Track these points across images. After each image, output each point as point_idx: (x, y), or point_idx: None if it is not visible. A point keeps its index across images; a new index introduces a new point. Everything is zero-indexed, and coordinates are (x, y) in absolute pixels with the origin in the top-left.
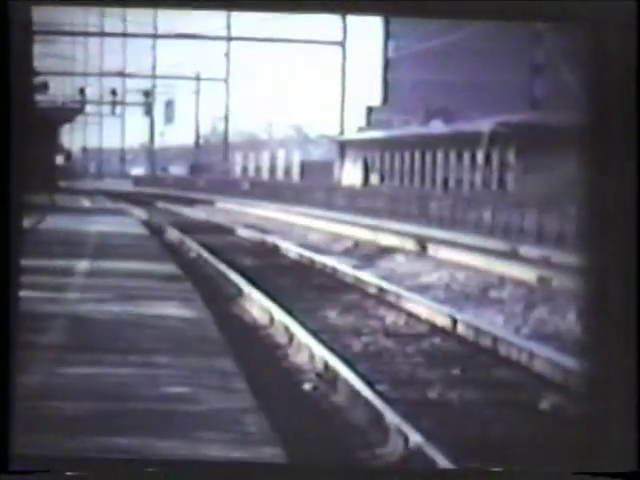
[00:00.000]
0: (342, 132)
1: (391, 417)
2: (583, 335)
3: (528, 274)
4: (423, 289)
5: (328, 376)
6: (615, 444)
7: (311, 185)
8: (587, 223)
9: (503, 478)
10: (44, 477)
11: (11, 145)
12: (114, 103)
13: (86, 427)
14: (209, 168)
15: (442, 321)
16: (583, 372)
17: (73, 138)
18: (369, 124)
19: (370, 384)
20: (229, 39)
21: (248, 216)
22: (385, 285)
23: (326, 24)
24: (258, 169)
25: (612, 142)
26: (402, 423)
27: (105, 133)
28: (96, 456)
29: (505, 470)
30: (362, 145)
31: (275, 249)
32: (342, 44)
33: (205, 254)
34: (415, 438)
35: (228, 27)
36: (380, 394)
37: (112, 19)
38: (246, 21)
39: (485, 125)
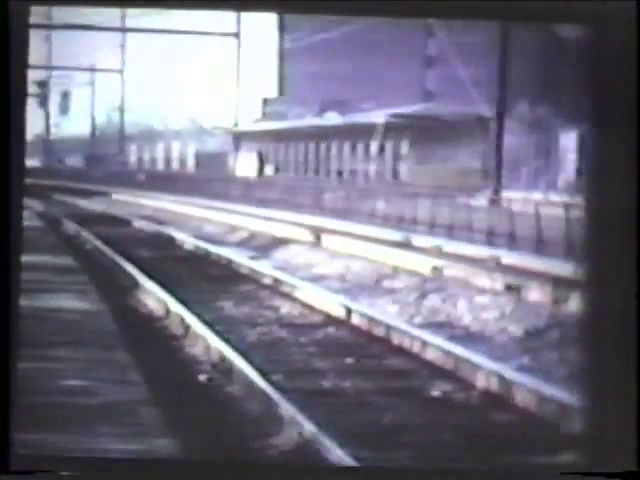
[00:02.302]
0: (237, 123)
1: (285, 407)
2: (583, 336)
3: (421, 264)
4: (317, 279)
5: (223, 367)
6: (615, 444)
7: (206, 176)
8: (587, 223)
9: (501, 478)
10: (44, 477)
11: (11, 145)
12: None
13: None
14: (105, 159)
15: (336, 311)
16: (584, 372)
17: None
18: (264, 115)
19: (265, 374)
20: (124, 30)
21: (144, 207)
22: (280, 276)
23: (221, 16)
24: (153, 160)
25: (612, 141)
26: (296, 413)
27: None
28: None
29: (503, 470)
30: (257, 136)
31: (171, 240)
32: (237, 35)
33: (101, 246)
34: (309, 427)
35: (123, 18)
36: (274, 384)
37: None
38: (141, 12)
39: (379, 117)
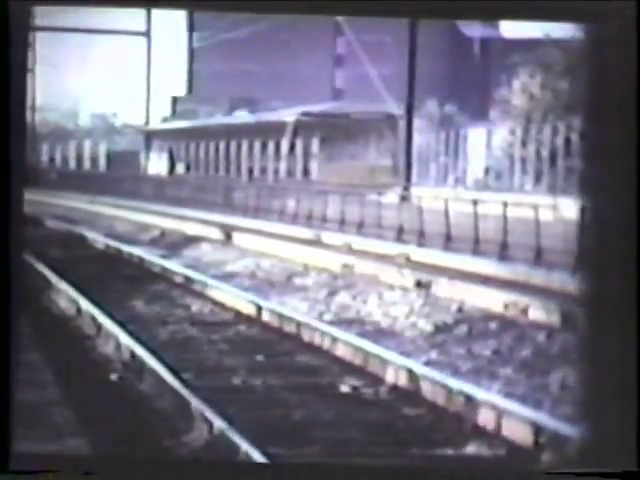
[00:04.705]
0: (148, 122)
1: (196, 404)
2: (583, 336)
3: (331, 261)
4: (228, 277)
5: (135, 365)
6: (615, 444)
7: (117, 175)
8: (587, 222)
9: (498, 477)
10: (44, 477)
11: (10, 145)
12: None
13: None
14: None
15: (247, 309)
16: (585, 374)
17: None
18: (174, 114)
19: (176, 372)
20: (34, 29)
21: (56, 207)
22: (191, 274)
23: (130, 14)
24: (65, 159)
25: (612, 141)
26: (207, 410)
27: None
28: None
29: (502, 469)
30: (167, 135)
31: (82, 240)
32: (147, 34)
33: None
34: (219, 424)
35: (32, 17)
36: (185, 382)
37: None
38: (50, 11)
39: (289, 115)
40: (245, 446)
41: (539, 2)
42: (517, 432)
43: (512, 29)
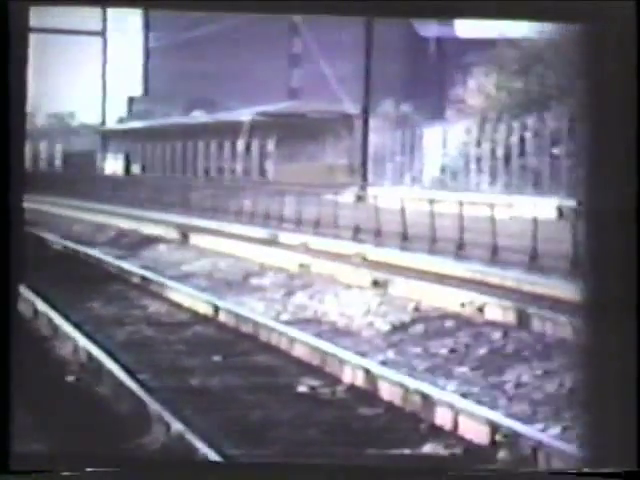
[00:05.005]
0: (104, 122)
1: (153, 406)
2: (583, 336)
3: (288, 261)
4: (185, 278)
5: (92, 367)
6: (615, 444)
7: (74, 176)
8: (587, 221)
9: (499, 477)
10: (44, 477)
11: (10, 146)
12: None
13: None
14: None
15: (204, 309)
16: (585, 373)
17: None
18: (130, 114)
19: (133, 374)
20: None
21: None
22: (148, 274)
23: (86, 14)
24: None
25: (612, 141)
26: (164, 411)
27: None
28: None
29: (504, 470)
30: (124, 135)
31: (39, 241)
32: (102, 34)
33: None
34: (176, 426)
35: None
36: (142, 383)
37: None
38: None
39: (245, 115)
40: (203, 447)
41: (538, 2)
42: (473, 431)
43: (467, 29)
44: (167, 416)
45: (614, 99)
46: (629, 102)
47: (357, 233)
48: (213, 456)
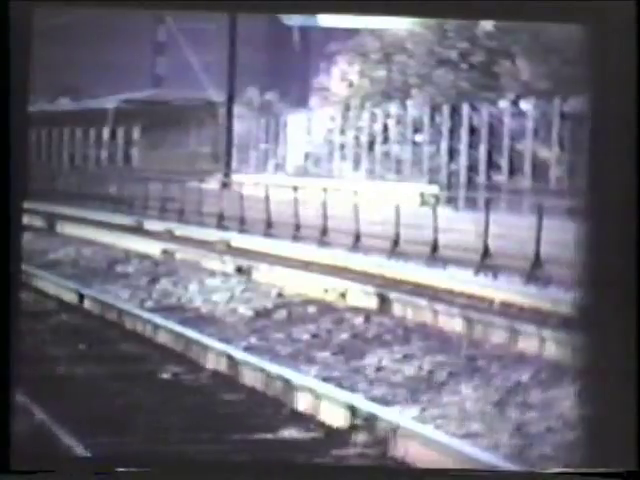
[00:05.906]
0: None
1: (17, 396)
2: (584, 335)
3: (153, 248)
4: (51, 266)
5: None
6: (615, 444)
7: None
8: (586, 221)
9: (499, 477)
10: (44, 477)
11: (10, 146)
12: None
13: None
14: None
15: (69, 297)
16: (584, 372)
17: None
18: None
19: None
20: None
21: None
22: None
23: None
24: None
25: (612, 141)
26: (27, 401)
27: None
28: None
29: (501, 471)
30: None
31: None
32: None
33: None
34: (40, 416)
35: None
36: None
37: None
38: None
39: (110, 102)
40: (66, 437)
41: (538, 2)
42: (333, 415)
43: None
44: (32, 406)
45: (614, 99)
46: (629, 102)
47: (221, 220)
48: (76, 445)
